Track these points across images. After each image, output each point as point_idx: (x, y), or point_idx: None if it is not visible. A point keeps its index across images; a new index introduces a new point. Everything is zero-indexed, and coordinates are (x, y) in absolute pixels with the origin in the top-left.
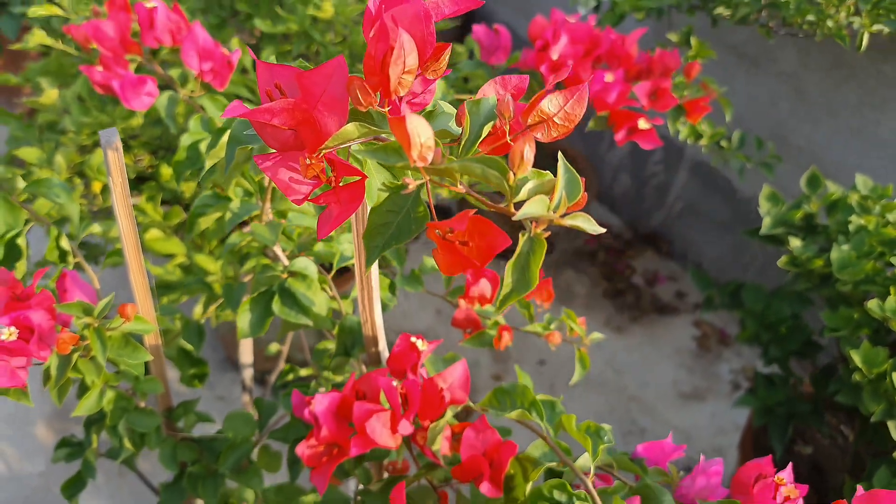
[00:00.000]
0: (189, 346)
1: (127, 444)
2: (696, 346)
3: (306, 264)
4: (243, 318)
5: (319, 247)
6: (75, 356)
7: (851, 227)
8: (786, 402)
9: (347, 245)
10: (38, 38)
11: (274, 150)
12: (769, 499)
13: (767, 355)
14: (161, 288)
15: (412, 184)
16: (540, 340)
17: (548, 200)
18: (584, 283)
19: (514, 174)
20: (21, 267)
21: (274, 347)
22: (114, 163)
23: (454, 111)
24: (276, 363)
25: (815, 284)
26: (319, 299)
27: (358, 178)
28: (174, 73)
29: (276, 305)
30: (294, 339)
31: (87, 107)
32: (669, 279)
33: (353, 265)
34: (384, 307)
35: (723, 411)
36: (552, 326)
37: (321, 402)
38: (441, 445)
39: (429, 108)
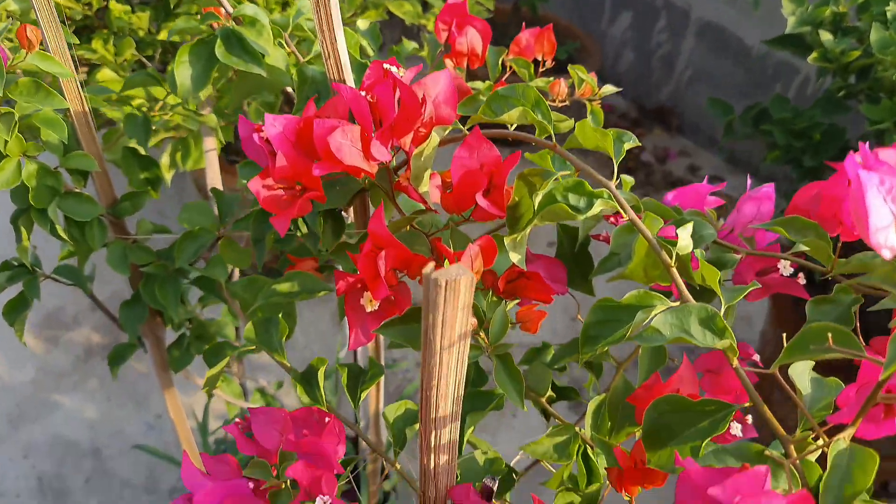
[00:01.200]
0: (135, 144)
1: (62, 233)
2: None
3: (256, 11)
4: (182, 72)
5: (276, 16)
6: None
7: (889, 15)
8: None
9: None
10: None
11: None
12: (843, 184)
13: (801, 168)
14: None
15: None
16: None
17: None
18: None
19: None
20: None
21: None
22: None
23: None
24: None
25: (850, 83)
26: (275, 53)
27: None
28: None
29: (219, 50)
30: None
31: None
32: (681, 154)
33: None
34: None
35: None
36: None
37: (274, 125)
38: (431, 193)
39: None
